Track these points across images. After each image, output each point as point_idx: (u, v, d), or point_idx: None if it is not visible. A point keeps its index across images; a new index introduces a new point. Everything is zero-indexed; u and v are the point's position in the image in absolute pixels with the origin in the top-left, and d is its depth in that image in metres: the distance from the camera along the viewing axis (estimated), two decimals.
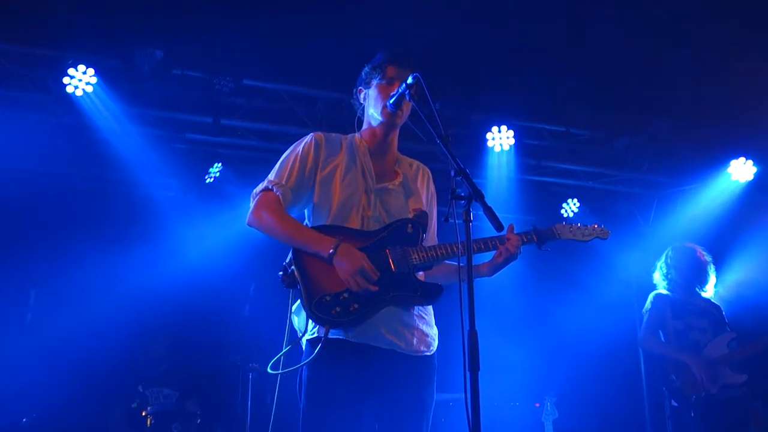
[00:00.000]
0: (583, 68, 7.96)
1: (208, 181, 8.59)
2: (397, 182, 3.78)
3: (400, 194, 3.76)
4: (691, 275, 6.45)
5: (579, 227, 3.90)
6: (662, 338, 6.37)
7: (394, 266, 3.53)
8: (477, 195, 3.07)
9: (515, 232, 3.77)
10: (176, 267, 8.21)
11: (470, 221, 3.09)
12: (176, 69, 7.64)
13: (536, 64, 7.93)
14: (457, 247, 3.58)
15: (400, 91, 3.58)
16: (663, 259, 6.63)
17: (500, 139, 8.66)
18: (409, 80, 3.50)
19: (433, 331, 3.73)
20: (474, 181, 3.19)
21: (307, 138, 3.81)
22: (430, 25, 7.33)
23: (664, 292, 6.48)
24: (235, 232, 8.58)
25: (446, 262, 3.84)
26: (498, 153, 8.75)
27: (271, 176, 3.71)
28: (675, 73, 7.90)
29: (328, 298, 3.44)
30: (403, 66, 3.77)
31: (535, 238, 3.79)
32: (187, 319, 8.38)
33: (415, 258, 3.57)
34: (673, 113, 8.69)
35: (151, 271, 8.24)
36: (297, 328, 3.59)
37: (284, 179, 3.68)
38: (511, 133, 8.68)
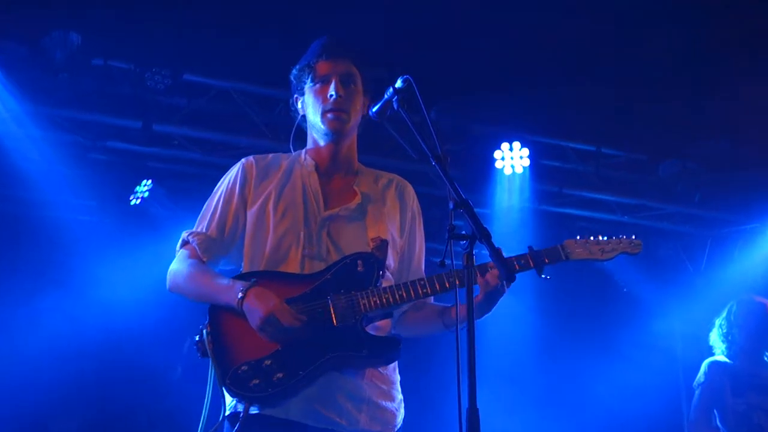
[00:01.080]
0: (620, 72, 8.01)
1: (134, 202, 8.54)
2: (352, 205, 3.79)
3: (357, 221, 3.77)
4: (759, 338, 6.40)
5: (597, 242, 3.77)
6: (717, 420, 6.33)
7: (336, 319, 3.52)
8: (482, 234, 3.03)
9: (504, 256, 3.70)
10: (91, 313, 8.15)
11: (473, 266, 3.07)
12: (97, 58, 7.62)
13: (559, 64, 7.97)
14: (436, 285, 3.57)
15: (386, 97, 3.57)
16: (724, 315, 6.53)
17: (512, 158, 8.68)
18: (399, 84, 3.49)
19: (394, 404, 3.69)
20: (478, 213, 3.14)
21: (234, 168, 3.87)
22: (421, 12, 7.38)
23: (723, 359, 6.40)
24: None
25: (432, 303, 3.83)
26: (509, 177, 8.77)
27: (195, 224, 3.80)
28: (737, 83, 7.95)
29: (245, 367, 3.46)
30: (336, 57, 3.78)
31: (531, 263, 3.66)
32: (104, 380, 8.34)
33: (364, 305, 3.54)
34: (733, 132, 8.75)
35: (60, 318, 8.19)
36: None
37: (204, 226, 3.75)
38: (525, 151, 8.70)
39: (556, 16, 7.48)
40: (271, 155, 3.94)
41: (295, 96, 3.94)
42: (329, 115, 3.77)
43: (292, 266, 3.63)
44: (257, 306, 3.44)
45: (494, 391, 9.06)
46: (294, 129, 3.98)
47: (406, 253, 3.89)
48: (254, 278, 3.55)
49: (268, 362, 3.46)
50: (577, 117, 8.73)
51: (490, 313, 3.67)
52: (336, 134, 3.81)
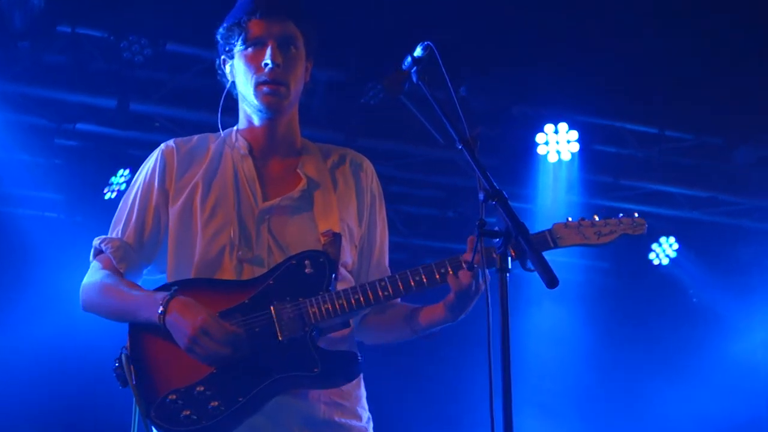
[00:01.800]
0: (689, 37, 7.93)
1: (108, 196, 8.55)
2: (296, 193, 3.72)
3: (303, 212, 3.71)
4: None
5: (592, 223, 3.69)
6: None
7: (281, 332, 3.47)
8: (519, 230, 3.00)
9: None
10: (58, 325, 8.16)
11: (507, 271, 3.03)
12: (63, 25, 7.62)
13: (614, 28, 7.92)
14: (399, 285, 3.50)
15: (405, 66, 3.54)
16: None
17: (557, 143, 8.68)
18: (418, 51, 3.44)
19: (361, 422, 3.67)
20: (514, 207, 3.10)
21: (152, 157, 3.80)
22: None
23: None
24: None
25: (399, 303, 3.75)
26: (554, 165, 8.79)
27: (109, 229, 3.76)
28: None
29: (173, 396, 3.41)
30: (273, 16, 3.70)
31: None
32: (76, 405, 8.37)
33: (315, 313, 3.49)
34: None
35: (22, 333, 8.25)
36: None
37: (119, 230, 3.71)
38: (574, 134, 8.70)
39: None
40: (196, 137, 3.85)
41: (223, 58, 3.81)
42: (264, 89, 3.65)
43: (227, 273, 3.57)
44: (183, 321, 3.39)
45: (535, 418, 9.09)
46: (222, 99, 3.82)
47: (366, 245, 3.83)
48: (175, 287, 3.50)
49: (200, 389, 3.40)
50: (636, 93, 8.68)
51: (461, 318, 3.62)
52: (272, 111, 3.70)
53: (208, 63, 8.07)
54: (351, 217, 3.77)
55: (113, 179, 8.56)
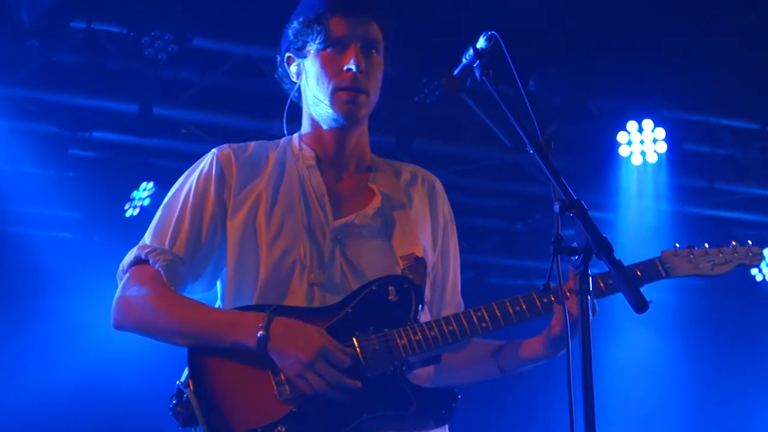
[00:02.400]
0: None
1: (130, 213, 8.64)
2: (370, 211, 3.74)
3: (379, 232, 3.72)
4: None
5: (705, 252, 3.78)
6: None
7: (367, 366, 3.47)
8: (600, 246, 3.00)
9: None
10: (75, 358, 8.30)
11: (589, 292, 3.03)
12: (77, 20, 7.69)
13: (708, 9, 7.91)
14: (497, 314, 3.50)
15: (465, 61, 3.51)
16: None
17: (642, 143, 8.67)
18: (481, 43, 3.42)
19: None
20: (594, 218, 3.06)
21: (205, 161, 3.77)
22: None
23: None
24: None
25: (476, 339, 3.72)
26: (638, 168, 8.77)
27: (146, 238, 3.69)
28: None
29: None
30: (358, 14, 3.71)
31: (602, 285, 3.61)
32: None
33: (404, 346, 3.50)
34: None
35: (37, 366, 8.34)
36: None
37: (167, 241, 3.64)
38: (661, 132, 8.67)
39: None
40: (253, 144, 3.83)
41: (288, 56, 3.84)
42: (343, 96, 3.65)
43: (296, 298, 3.56)
44: (294, 345, 3.38)
45: None
46: (288, 104, 3.85)
47: (439, 274, 3.85)
48: (273, 307, 3.46)
49: (281, 429, 3.39)
50: (734, 84, 8.62)
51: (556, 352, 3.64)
52: (350, 120, 3.71)
53: (240, 59, 8.23)
54: (426, 242, 3.78)
55: (135, 194, 8.65)
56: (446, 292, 3.84)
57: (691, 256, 3.76)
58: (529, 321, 3.59)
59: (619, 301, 3.12)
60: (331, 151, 3.77)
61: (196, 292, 3.71)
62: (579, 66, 8.43)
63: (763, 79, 8.53)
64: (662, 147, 8.69)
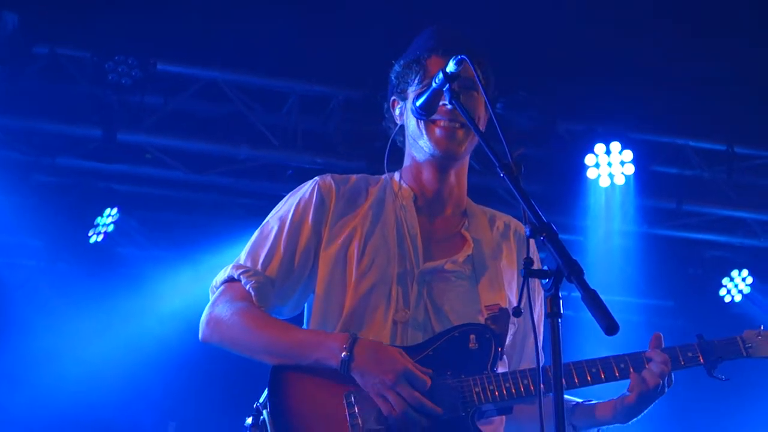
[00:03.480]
0: (759, 41, 7.93)
1: (94, 239, 8.62)
2: (461, 257, 3.82)
3: (466, 280, 3.80)
4: None
5: None
6: None
7: (441, 408, 3.51)
8: (570, 269, 3.00)
9: (663, 345, 3.72)
10: (43, 387, 8.24)
11: (559, 316, 3.05)
12: (41, 45, 7.71)
13: (673, 33, 7.94)
14: (575, 376, 3.58)
15: (435, 85, 3.55)
16: None
17: (609, 165, 8.67)
18: (450, 67, 3.47)
19: None
20: (564, 240, 3.07)
21: (306, 188, 3.89)
22: None
23: None
24: (144, 330, 8.55)
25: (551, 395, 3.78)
26: (606, 190, 8.78)
27: (241, 257, 3.80)
28: None
29: None
30: (454, 54, 3.68)
31: (700, 358, 3.76)
32: None
33: (479, 394, 3.56)
34: None
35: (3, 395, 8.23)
36: None
37: (260, 263, 3.75)
38: (628, 154, 8.69)
39: None
40: (354, 177, 3.95)
41: (393, 99, 3.96)
42: (438, 131, 3.76)
43: (380, 332, 3.63)
44: (378, 366, 3.43)
45: None
46: (389, 145, 3.94)
47: (522, 326, 3.89)
48: (355, 331, 3.54)
49: None
50: (700, 105, 8.67)
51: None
52: (446, 156, 3.80)
53: (205, 83, 8.22)
54: (513, 292, 3.83)
55: (99, 220, 8.61)
56: (527, 344, 3.90)
57: None
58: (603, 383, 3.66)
59: (588, 322, 3.11)
60: (430, 191, 3.89)
61: (282, 314, 3.82)
62: (546, 89, 8.46)
63: (728, 100, 8.58)
64: (630, 169, 8.71)
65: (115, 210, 8.59)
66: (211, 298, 3.79)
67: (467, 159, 3.93)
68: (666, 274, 9.61)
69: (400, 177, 3.94)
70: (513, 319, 3.77)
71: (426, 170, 3.89)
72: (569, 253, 3.04)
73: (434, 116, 3.73)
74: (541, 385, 3.07)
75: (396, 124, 3.97)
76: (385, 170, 3.95)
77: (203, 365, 8.31)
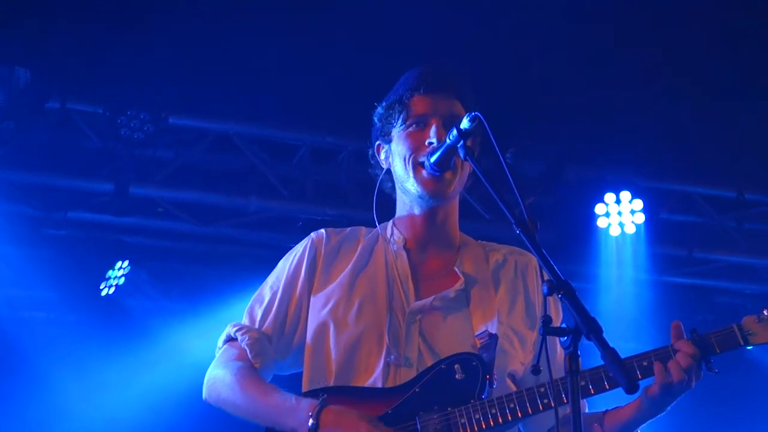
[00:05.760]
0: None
1: (105, 292, 8.63)
2: (452, 293, 3.81)
3: (458, 313, 3.79)
4: None
5: None
6: None
7: None
8: (589, 327, 3.00)
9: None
10: None
11: (578, 371, 3.02)
12: (53, 100, 7.73)
13: (682, 81, 7.95)
14: (550, 391, 3.53)
15: (449, 142, 3.56)
16: None
17: (620, 214, 8.67)
18: (465, 124, 3.46)
19: None
20: (577, 289, 3.07)
21: (301, 244, 3.97)
22: (482, 20, 7.43)
23: None
24: (156, 382, 8.56)
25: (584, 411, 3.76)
26: (617, 239, 8.76)
27: (244, 314, 3.88)
28: None
29: None
30: (438, 92, 3.82)
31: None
32: None
33: (464, 425, 3.54)
34: None
35: None
36: None
37: (257, 320, 3.85)
38: (638, 203, 8.69)
39: (676, 17, 7.50)
40: (348, 229, 3.99)
41: (378, 144, 3.98)
42: (424, 173, 3.75)
43: (373, 375, 3.64)
44: (341, 428, 3.44)
45: None
46: (376, 191, 3.98)
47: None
48: (324, 394, 3.56)
49: None
50: (709, 153, 8.68)
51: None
52: (433, 197, 3.80)
53: (216, 136, 8.22)
54: (518, 321, 3.83)
55: (110, 273, 8.63)
56: (554, 365, 3.78)
57: None
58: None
59: None
60: (420, 233, 3.90)
61: (285, 369, 3.88)
62: (556, 137, 8.46)
63: (737, 147, 8.59)
64: (640, 218, 8.70)
65: (126, 263, 8.60)
66: (216, 356, 3.86)
67: (457, 198, 3.94)
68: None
69: (393, 223, 3.95)
70: (529, 347, 3.81)
71: (415, 211, 3.89)
72: (587, 310, 3.02)
73: (417, 154, 3.74)
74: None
75: (382, 169, 3.97)
76: (374, 217, 3.95)
77: (213, 419, 8.29)
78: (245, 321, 3.85)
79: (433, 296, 3.77)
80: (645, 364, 3.62)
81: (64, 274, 8.61)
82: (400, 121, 3.82)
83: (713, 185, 9.15)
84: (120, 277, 8.62)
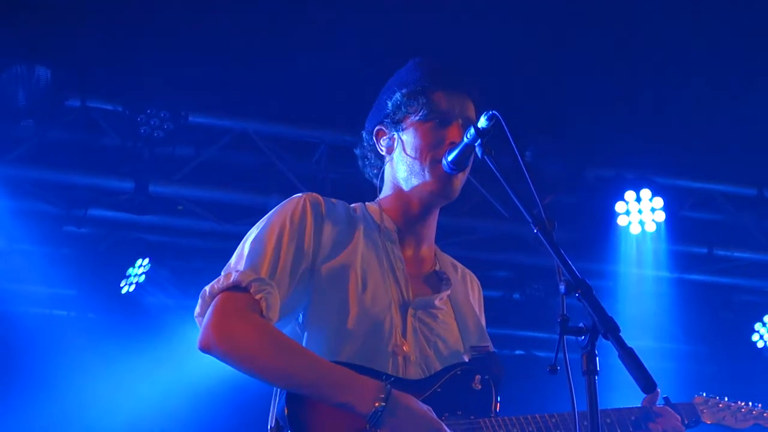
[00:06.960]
0: None
1: (126, 290, 8.65)
2: (444, 295, 3.80)
3: (450, 317, 3.79)
4: None
5: (729, 406, 4.07)
6: None
7: None
8: (607, 327, 2.99)
9: (672, 402, 3.83)
10: None
11: (596, 373, 3.02)
12: (73, 99, 7.77)
13: (702, 78, 7.95)
14: (561, 420, 3.56)
15: (466, 141, 3.52)
16: None
17: (640, 212, 8.66)
18: (482, 122, 3.44)
19: None
20: (593, 285, 3.06)
21: (292, 203, 3.68)
22: (502, 19, 7.43)
23: None
24: (176, 380, 8.57)
25: None
26: (637, 237, 8.74)
27: (240, 263, 3.54)
28: None
29: None
30: (459, 91, 3.80)
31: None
32: None
33: None
34: None
35: None
36: None
37: (266, 269, 3.50)
38: (659, 201, 8.68)
39: (691, 16, 7.49)
40: (336, 201, 3.81)
41: (378, 128, 3.88)
42: (440, 171, 3.69)
43: (379, 363, 3.53)
44: (413, 419, 3.34)
45: None
46: (380, 176, 3.91)
47: None
48: (392, 378, 3.43)
49: None
50: (730, 150, 8.67)
51: None
52: (444, 195, 3.75)
53: (236, 134, 8.24)
54: (484, 334, 3.86)
55: (131, 271, 8.63)
56: None
57: (721, 408, 4.09)
58: None
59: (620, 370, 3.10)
60: (413, 226, 3.83)
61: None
62: (575, 136, 8.45)
63: (758, 145, 8.57)
64: (660, 216, 8.68)
65: (146, 260, 8.61)
66: (210, 305, 3.47)
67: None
68: (698, 320, 9.56)
69: (381, 209, 3.84)
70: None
71: (414, 205, 3.81)
72: (604, 309, 3.01)
73: (436, 153, 3.69)
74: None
75: (377, 155, 3.88)
76: (378, 194, 3.89)
77: (235, 415, 8.32)
78: (250, 268, 3.47)
79: (431, 295, 3.75)
80: (632, 418, 3.72)
81: (84, 272, 8.62)
82: (421, 113, 3.74)
83: (733, 183, 9.15)
84: (140, 275, 8.64)
